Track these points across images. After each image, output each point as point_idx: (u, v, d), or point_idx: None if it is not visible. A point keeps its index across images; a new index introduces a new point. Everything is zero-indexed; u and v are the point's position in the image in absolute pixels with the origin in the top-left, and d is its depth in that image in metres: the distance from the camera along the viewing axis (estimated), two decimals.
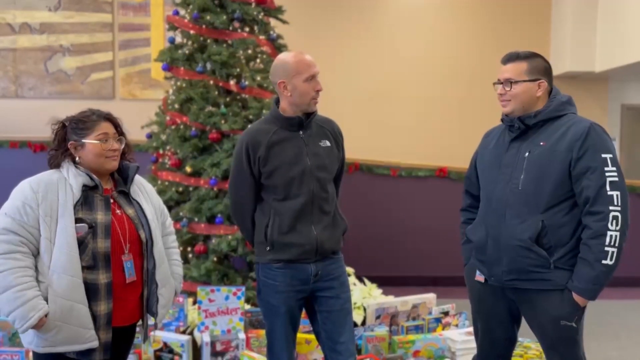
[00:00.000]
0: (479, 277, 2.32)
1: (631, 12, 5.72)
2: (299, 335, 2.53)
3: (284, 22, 4.42)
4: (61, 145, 2.02)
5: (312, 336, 3.01)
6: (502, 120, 2.29)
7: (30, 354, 2.05)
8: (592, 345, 4.18)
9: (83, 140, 1.99)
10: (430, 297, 3.72)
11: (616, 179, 2.05)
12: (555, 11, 6.75)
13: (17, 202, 1.91)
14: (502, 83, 2.19)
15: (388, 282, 5.27)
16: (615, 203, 2.03)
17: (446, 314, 3.67)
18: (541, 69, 2.19)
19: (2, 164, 5.76)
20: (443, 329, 3.56)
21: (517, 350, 3.15)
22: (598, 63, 6.34)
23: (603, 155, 2.06)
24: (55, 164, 2.02)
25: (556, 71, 7.14)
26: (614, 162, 2.07)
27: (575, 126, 2.11)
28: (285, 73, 2.28)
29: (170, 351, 3.13)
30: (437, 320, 3.58)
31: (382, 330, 3.32)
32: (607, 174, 2.04)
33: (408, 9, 6.74)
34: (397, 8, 6.74)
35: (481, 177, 2.35)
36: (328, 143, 2.38)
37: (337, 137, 2.43)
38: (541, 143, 2.13)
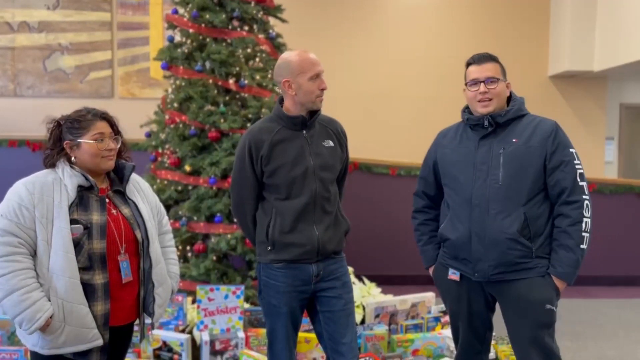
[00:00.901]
0: (453, 276, 2.36)
1: (630, 11, 5.73)
2: (299, 334, 2.53)
3: (283, 20, 4.42)
4: (56, 145, 2.00)
5: (311, 335, 3.02)
6: (467, 119, 2.34)
7: (29, 354, 2.04)
8: (590, 344, 4.19)
9: (79, 140, 1.97)
10: (429, 296, 3.72)
11: (582, 171, 2.25)
12: (554, 11, 6.76)
13: (12, 204, 1.88)
14: (482, 82, 2.25)
15: (387, 281, 5.28)
16: (586, 192, 2.23)
17: (445, 312, 3.67)
18: (505, 71, 2.33)
19: (1, 163, 5.76)
20: (442, 327, 3.57)
21: None
22: (597, 62, 6.34)
23: (570, 150, 2.25)
24: (50, 164, 2.00)
25: (555, 70, 7.18)
26: (577, 156, 2.28)
27: (542, 124, 2.27)
28: (290, 72, 2.28)
29: (170, 350, 3.13)
30: (436, 319, 3.58)
31: (381, 329, 3.33)
32: (576, 166, 2.24)
33: (408, 9, 6.75)
34: (396, 7, 6.74)
35: (449, 176, 2.37)
36: (331, 143, 2.37)
37: (340, 137, 2.43)
38: (514, 140, 2.25)
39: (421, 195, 2.53)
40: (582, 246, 2.18)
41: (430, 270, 2.52)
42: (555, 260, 2.21)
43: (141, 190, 2.17)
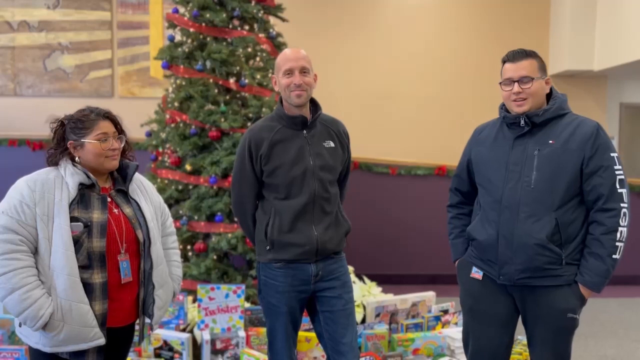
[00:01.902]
0: (476, 275, 2.30)
1: (630, 10, 5.73)
2: (299, 333, 2.53)
3: (283, 20, 4.42)
4: (60, 145, 1.99)
5: (312, 334, 3.02)
6: (503, 117, 2.25)
7: (29, 353, 2.04)
8: (590, 343, 4.19)
9: (82, 140, 1.96)
10: (429, 295, 3.72)
11: (623, 177, 2.13)
12: (554, 10, 6.76)
13: (14, 201, 1.88)
14: (516, 81, 2.16)
15: (387, 281, 5.29)
16: (625, 200, 2.12)
17: (445, 312, 3.68)
18: (544, 66, 2.22)
19: (1, 162, 5.76)
20: (442, 327, 3.57)
21: (516, 348, 3.16)
22: (597, 62, 6.34)
23: (612, 154, 2.13)
24: (53, 162, 1.99)
25: (555, 70, 7.18)
26: (620, 161, 2.15)
27: (583, 125, 2.15)
28: (275, 69, 2.34)
29: (170, 349, 3.13)
30: (437, 318, 3.59)
31: (381, 328, 3.33)
32: (616, 172, 2.12)
33: (408, 8, 6.74)
34: (397, 7, 6.74)
35: (482, 176, 2.30)
36: (332, 144, 2.37)
37: (342, 138, 2.42)
38: (550, 141, 2.14)
39: (454, 192, 2.48)
40: (614, 256, 2.10)
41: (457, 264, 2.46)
42: (585, 268, 2.13)
43: (144, 190, 2.15)
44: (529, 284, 2.17)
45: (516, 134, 2.20)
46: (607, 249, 2.10)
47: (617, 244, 2.11)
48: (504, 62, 2.24)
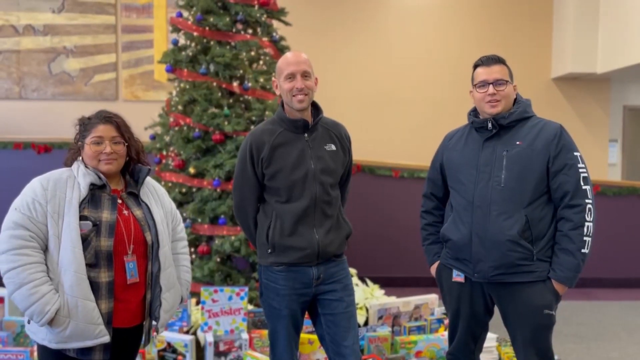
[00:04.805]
0: (458, 278, 2.39)
1: (633, 13, 5.73)
2: (302, 335, 2.54)
3: (286, 23, 4.44)
4: (75, 145, 2.08)
5: (315, 336, 3.03)
6: (472, 122, 2.36)
7: (35, 354, 2.06)
8: (593, 346, 4.19)
9: (82, 142, 2.04)
10: (432, 297, 3.73)
11: (586, 174, 2.25)
12: (557, 13, 6.76)
13: (27, 198, 1.94)
14: (491, 83, 2.26)
15: (390, 283, 5.29)
16: (589, 196, 2.22)
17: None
18: (512, 73, 2.34)
19: (6, 165, 5.78)
20: (445, 329, 3.57)
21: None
22: (600, 64, 6.35)
23: (575, 153, 2.25)
24: (68, 163, 2.07)
25: (558, 72, 7.18)
26: (582, 159, 2.27)
27: (547, 127, 2.27)
28: (276, 73, 2.36)
29: (174, 351, 3.15)
30: (439, 321, 3.59)
31: (384, 331, 3.34)
32: (580, 170, 2.23)
33: (410, 11, 6.77)
34: (399, 10, 6.77)
35: (454, 179, 2.40)
36: (333, 147, 2.37)
37: (343, 141, 2.42)
38: (517, 142, 2.26)
39: (429, 196, 2.56)
40: (583, 250, 2.18)
41: (433, 268, 2.54)
42: (556, 264, 2.22)
43: (156, 194, 2.19)
44: (503, 281, 2.25)
45: (485, 137, 2.32)
46: (576, 244, 2.18)
47: (585, 238, 2.18)
48: (475, 66, 2.34)
